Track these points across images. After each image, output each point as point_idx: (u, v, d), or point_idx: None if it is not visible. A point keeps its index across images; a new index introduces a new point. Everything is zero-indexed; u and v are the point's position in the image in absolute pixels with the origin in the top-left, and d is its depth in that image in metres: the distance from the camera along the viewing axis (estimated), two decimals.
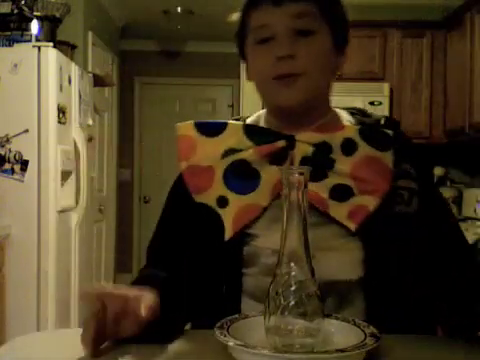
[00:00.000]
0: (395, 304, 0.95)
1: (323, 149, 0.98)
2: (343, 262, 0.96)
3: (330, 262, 0.94)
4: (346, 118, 1.08)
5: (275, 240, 0.92)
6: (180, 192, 1.06)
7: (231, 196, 1.00)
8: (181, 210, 1.07)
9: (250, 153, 1.00)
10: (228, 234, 0.99)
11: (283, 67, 0.96)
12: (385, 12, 3.95)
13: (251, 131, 1.02)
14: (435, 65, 3.87)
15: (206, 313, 0.99)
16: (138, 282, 0.95)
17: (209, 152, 1.02)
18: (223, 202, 1.00)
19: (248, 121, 1.10)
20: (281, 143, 0.99)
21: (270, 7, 0.98)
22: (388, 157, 0.99)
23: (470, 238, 1.40)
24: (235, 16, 1.06)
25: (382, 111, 3.76)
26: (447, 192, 3.91)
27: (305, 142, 0.99)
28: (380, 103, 3.78)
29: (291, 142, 0.99)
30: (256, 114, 1.12)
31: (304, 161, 0.98)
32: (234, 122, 1.05)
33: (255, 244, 0.99)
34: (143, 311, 0.76)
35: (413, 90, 3.88)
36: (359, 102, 3.70)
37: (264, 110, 1.10)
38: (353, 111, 1.10)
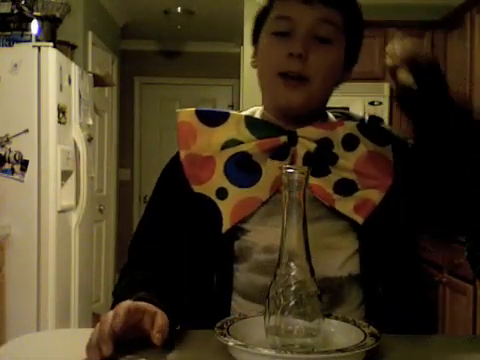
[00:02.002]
0: (392, 298, 0.96)
1: (325, 145, 0.98)
2: (334, 259, 0.96)
3: (321, 259, 0.94)
4: (333, 120, 1.07)
5: (266, 236, 0.92)
6: (174, 181, 1.04)
7: (231, 188, 0.99)
8: (175, 199, 1.05)
9: (252, 146, 0.98)
10: (226, 226, 0.97)
11: (292, 65, 0.95)
12: (385, 12, 3.94)
13: (253, 124, 1.01)
14: None
15: (196, 311, 0.98)
16: (135, 288, 0.90)
17: (209, 142, 1.01)
18: (223, 194, 0.99)
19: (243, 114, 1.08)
20: (283, 138, 0.98)
21: (299, 2, 0.95)
22: (388, 151, 1.00)
23: None
24: None
25: (382, 111, 3.75)
26: None
27: (307, 138, 0.98)
28: (380, 103, 3.78)
29: (292, 138, 0.99)
30: (251, 109, 1.10)
31: (307, 157, 0.98)
32: (236, 113, 1.04)
33: (246, 239, 0.98)
34: (157, 338, 0.76)
35: None
36: (359, 102, 3.70)
37: (259, 107, 1.09)
38: (337, 114, 1.10)
